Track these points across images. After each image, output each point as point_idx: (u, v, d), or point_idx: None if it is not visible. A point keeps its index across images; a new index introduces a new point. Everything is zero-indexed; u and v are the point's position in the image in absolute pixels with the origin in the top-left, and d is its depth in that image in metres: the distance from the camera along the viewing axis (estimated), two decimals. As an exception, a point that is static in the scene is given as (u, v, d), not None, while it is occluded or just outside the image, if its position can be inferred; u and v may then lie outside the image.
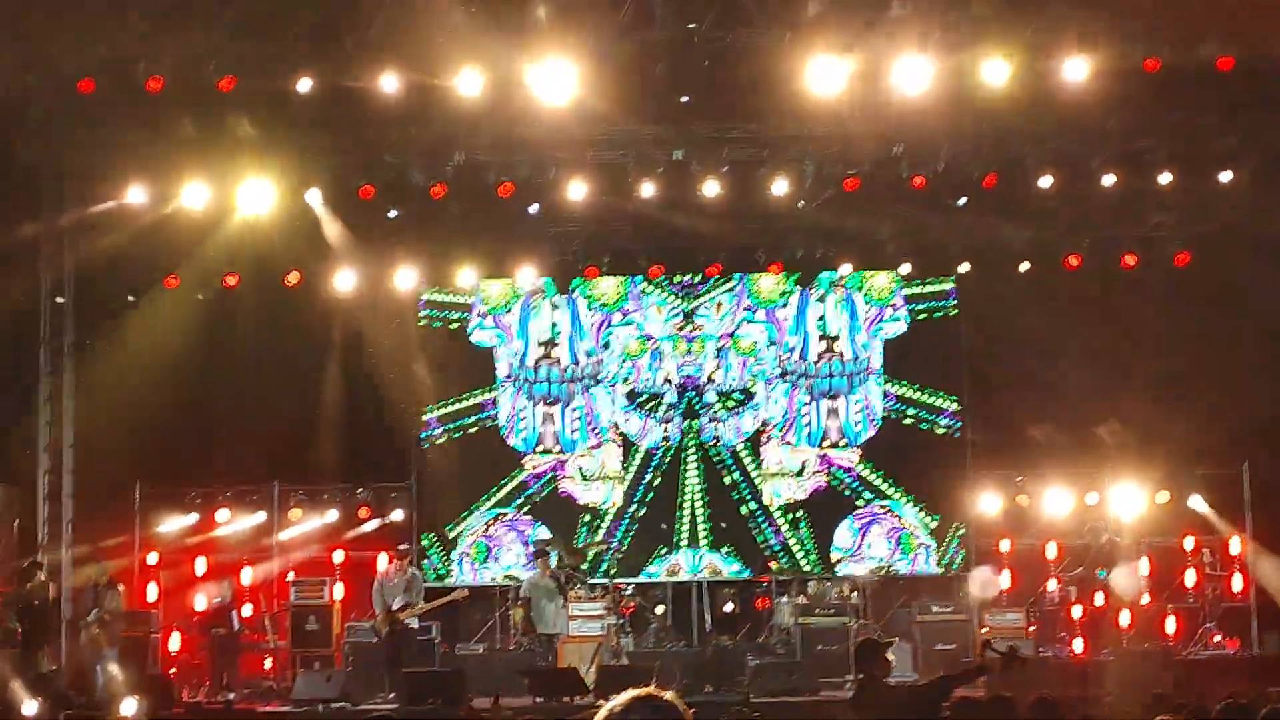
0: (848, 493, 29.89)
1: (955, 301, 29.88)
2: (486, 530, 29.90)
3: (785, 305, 30.14)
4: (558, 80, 23.01)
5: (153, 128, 25.21)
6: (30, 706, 21.57)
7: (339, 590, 27.93)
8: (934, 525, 29.67)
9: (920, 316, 30.00)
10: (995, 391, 29.33)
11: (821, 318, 30.10)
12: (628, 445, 29.91)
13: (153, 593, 27.73)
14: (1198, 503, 28.43)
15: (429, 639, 26.83)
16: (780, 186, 26.52)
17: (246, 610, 27.74)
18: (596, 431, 29.95)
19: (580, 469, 29.94)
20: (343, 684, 25.16)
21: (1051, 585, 28.11)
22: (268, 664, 27.78)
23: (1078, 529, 28.52)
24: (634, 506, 29.78)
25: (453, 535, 29.64)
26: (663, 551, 29.56)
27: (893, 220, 28.46)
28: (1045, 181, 26.35)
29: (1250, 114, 25.40)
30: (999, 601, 27.86)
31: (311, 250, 28.30)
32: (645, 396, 29.99)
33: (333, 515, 28.88)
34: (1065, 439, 28.89)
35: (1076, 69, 23.06)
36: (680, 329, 30.11)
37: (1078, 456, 28.88)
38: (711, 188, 26.40)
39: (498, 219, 28.03)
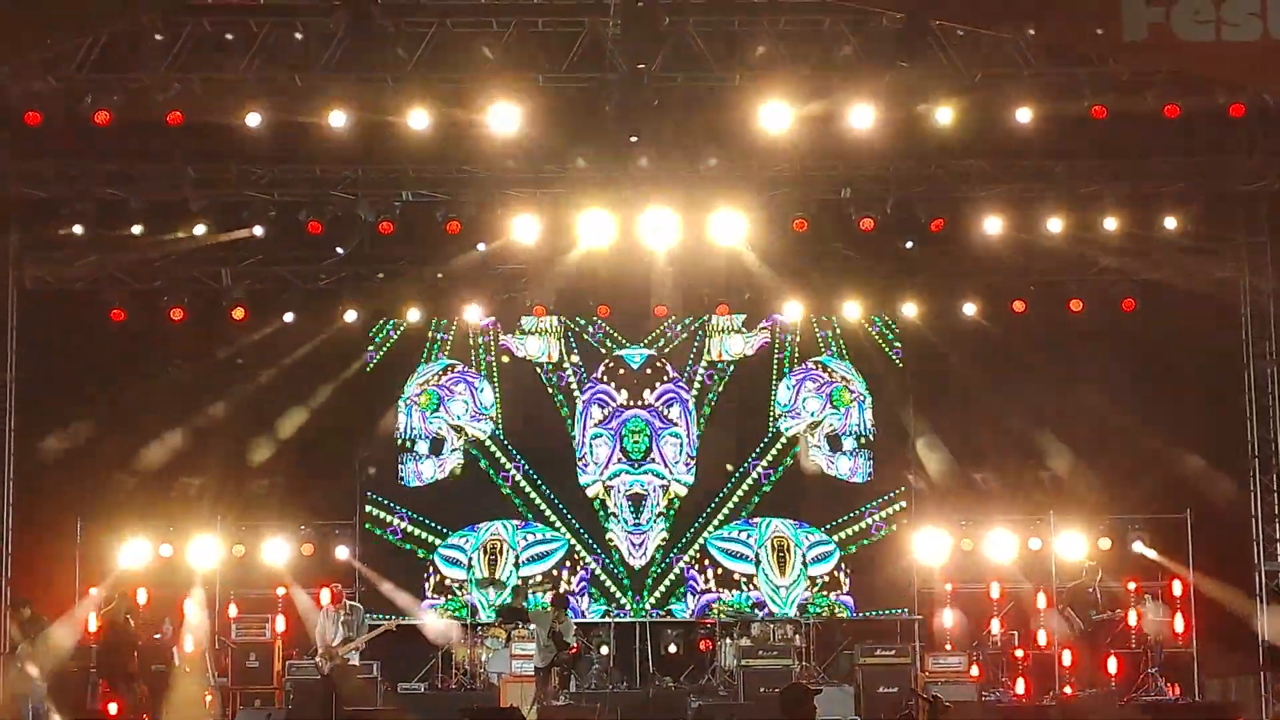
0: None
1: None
2: (439, 379, 30.00)
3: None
4: (507, 119, 23.04)
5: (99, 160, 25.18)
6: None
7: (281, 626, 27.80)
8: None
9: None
10: (940, 435, 29.36)
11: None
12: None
13: (93, 627, 27.45)
14: (1141, 548, 28.51)
15: (370, 677, 26.71)
16: (728, 227, 26.49)
17: (189, 646, 27.52)
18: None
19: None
20: (282, 722, 25.00)
21: (995, 629, 28.09)
22: (208, 700, 27.52)
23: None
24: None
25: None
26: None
27: (840, 262, 28.54)
28: (993, 226, 26.42)
29: (1196, 160, 25.54)
30: (942, 645, 27.92)
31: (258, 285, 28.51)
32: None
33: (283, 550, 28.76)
34: (1010, 483, 29.06)
35: (1024, 115, 23.19)
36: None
37: (1021, 501, 29.00)
38: (660, 228, 26.35)
39: (445, 257, 28.00)
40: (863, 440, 30.08)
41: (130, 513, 28.43)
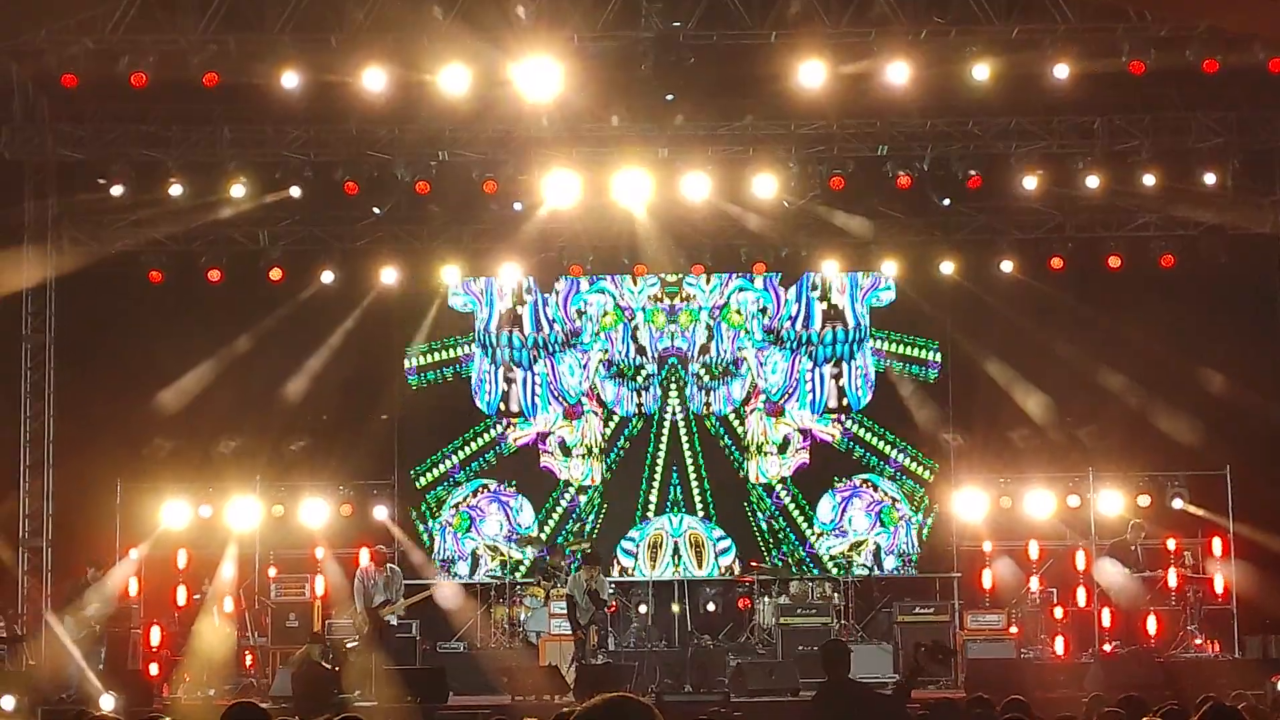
0: (841, 450, 29.96)
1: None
2: (470, 500, 29.93)
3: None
4: (542, 78, 23.01)
5: (136, 122, 25.24)
6: (9, 702, 21.58)
7: (320, 586, 27.89)
8: (918, 492, 29.78)
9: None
10: (978, 393, 29.29)
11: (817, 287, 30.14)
12: (607, 415, 29.97)
13: (134, 588, 27.56)
14: (1182, 504, 28.41)
15: (410, 637, 26.82)
16: (765, 185, 26.47)
17: (228, 606, 27.61)
18: (561, 397, 29.94)
19: (562, 441, 29.96)
20: (323, 681, 25.03)
21: (1034, 586, 28.05)
22: (248, 660, 27.63)
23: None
24: (610, 477, 29.99)
25: (422, 485, 29.77)
26: (639, 520, 29.72)
27: (878, 220, 28.46)
28: (1030, 183, 26.36)
29: (1234, 116, 25.42)
30: (981, 603, 27.94)
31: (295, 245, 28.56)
32: (621, 366, 30.04)
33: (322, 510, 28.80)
34: (1048, 440, 28.99)
35: (1062, 71, 23.11)
36: (658, 300, 30.09)
37: (1060, 459, 28.92)
38: (696, 186, 26.34)
39: (481, 216, 28.01)
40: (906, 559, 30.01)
41: (170, 474, 28.49)
